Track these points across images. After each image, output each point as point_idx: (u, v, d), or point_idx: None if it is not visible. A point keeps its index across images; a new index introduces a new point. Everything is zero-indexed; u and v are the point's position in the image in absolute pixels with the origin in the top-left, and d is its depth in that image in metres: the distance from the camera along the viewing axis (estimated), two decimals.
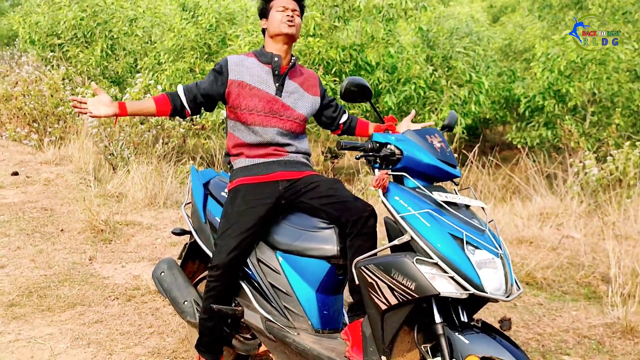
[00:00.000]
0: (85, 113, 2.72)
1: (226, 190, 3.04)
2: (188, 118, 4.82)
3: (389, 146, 2.47)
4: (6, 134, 9.95)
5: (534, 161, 8.55)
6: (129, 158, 7.87)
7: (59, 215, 5.94)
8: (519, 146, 11.39)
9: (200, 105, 2.97)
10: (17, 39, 13.65)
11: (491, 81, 11.03)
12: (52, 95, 10.08)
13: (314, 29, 9.16)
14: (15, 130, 9.83)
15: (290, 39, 2.96)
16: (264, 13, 3.05)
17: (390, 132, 2.69)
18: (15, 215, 5.90)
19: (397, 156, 2.43)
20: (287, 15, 2.93)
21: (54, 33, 12.06)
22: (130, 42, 12.20)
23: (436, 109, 10.16)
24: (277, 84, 2.97)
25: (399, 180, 2.47)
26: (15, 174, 7.58)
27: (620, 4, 11.93)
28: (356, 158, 2.51)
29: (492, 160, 8.68)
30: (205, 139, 9.69)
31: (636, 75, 10.95)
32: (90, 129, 8.47)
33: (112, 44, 12.08)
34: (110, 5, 12.01)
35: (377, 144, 2.48)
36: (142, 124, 8.34)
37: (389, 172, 2.44)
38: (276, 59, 2.98)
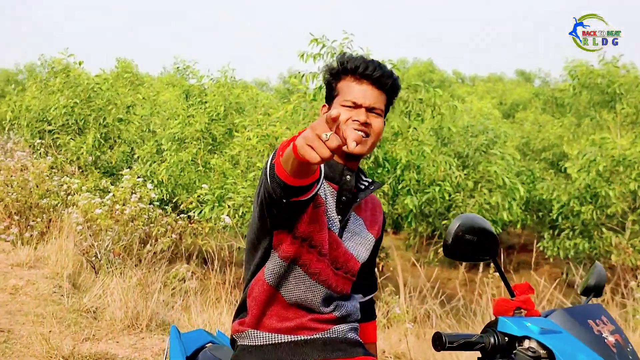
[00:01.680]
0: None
1: None
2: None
3: (527, 343, 1.42)
4: None
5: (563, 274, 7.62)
6: (114, 262, 6.89)
7: (16, 341, 4.82)
8: (550, 258, 10.38)
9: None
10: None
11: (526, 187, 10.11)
12: (37, 186, 9.24)
13: None
14: None
15: (360, 156, 1.99)
16: (328, 97, 2.05)
17: (523, 312, 1.62)
18: None
19: None
20: (356, 122, 1.92)
21: (45, 119, 11.27)
22: (127, 130, 11.39)
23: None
24: (340, 218, 1.95)
25: None
26: None
27: None
28: None
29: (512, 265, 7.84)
30: (203, 240, 8.70)
31: None
32: (74, 225, 7.56)
33: (105, 132, 11.26)
34: (107, 91, 11.27)
35: (506, 339, 1.43)
36: (132, 221, 7.44)
37: None
38: (348, 177, 1.96)
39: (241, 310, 1.99)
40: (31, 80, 12.38)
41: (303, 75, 9.25)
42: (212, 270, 7.26)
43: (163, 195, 9.90)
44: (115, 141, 11.59)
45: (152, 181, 9.76)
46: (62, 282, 6.51)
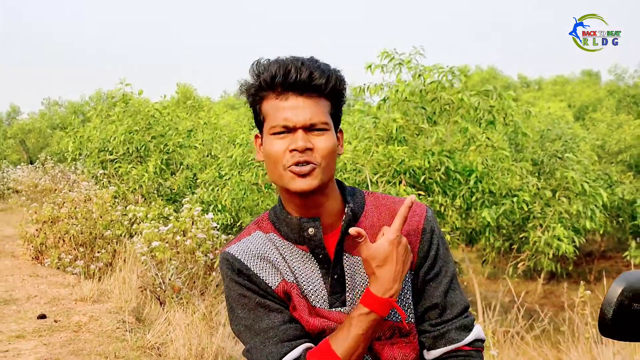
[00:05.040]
0: None
1: None
2: None
3: None
4: (48, 261, 8.94)
5: None
6: (177, 295, 6.66)
7: None
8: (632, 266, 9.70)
9: None
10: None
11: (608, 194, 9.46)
12: (101, 216, 9.18)
13: (396, 131, 7.85)
14: (59, 257, 8.82)
15: (312, 191, 1.48)
16: (257, 123, 1.59)
17: None
18: None
19: None
20: (295, 152, 1.45)
21: (106, 148, 11.26)
22: (188, 155, 11.25)
23: (541, 225, 8.58)
24: (331, 282, 1.53)
25: None
26: (43, 317, 6.40)
27: None
28: None
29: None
30: None
31: None
32: (139, 255, 7.40)
33: (167, 159, 11.15)
34: (166, 115, 11.18)
35: None
36: (198, 248, 7.23)
37: None
38: (310, 230, 1.51)
39: None
40: (92, 111, 12.44)
41: (367, 87, 8.83)
42: None
43: (227, 220, 9.67)
44: (177, 167, 11.49)
45: (216, 206, 9.55)
46: (126, 317, 6.32)
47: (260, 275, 1.53)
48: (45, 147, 29.82)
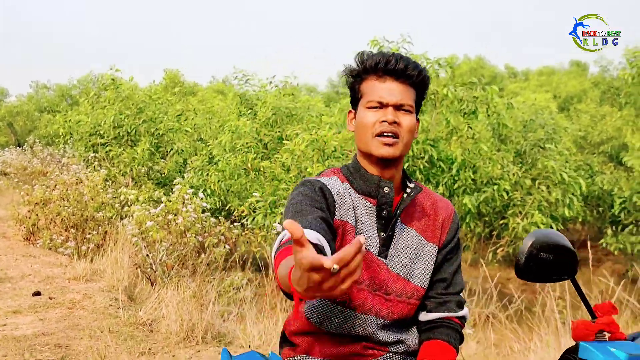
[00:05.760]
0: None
1: None
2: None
3: None
4: (40, 242, 9.11)
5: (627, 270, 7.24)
6: (169, 273, 6.87)
7: (73, 357, 4.81)
8: (615, 251, 9.96)
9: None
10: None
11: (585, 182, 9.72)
12: (92, 199, 9.35)
13: None
14: (51, 238, 8.98)
15: (391, 160, 1.79)
16: (353, 100, 1.88)
17: (607, 335, 1.45)
18: (20, 356, 4.79)
19: None
20: (384, 123, 1.75)
21: (97, 132, 11.40)
22: (178, 140, 11.40)
23: (520, 212, 8.86)
24: (382, 235, 1.78)
25: None
26: (37, 294, 6.58)
27: None
28: None
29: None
30: (257, 247, 8.63)
31: None
32: (130, 237, 7.59)
33: (157, 142, 11.30)
34: (157, 100, 11.33)
35: None
36: (186, 231, 7.42)
37: None
38: (386, 189, 1.78)
39: (286, 339, 1.87)
40: (83, 96, 12.56)
41: None
42: (267, 277, 7.17)
43: (216, 204, 9.86)
44: (167, 152, 11.64)
45: (205, 190, 9.72)
46: (118, 295, 6.52)
47: (334, 195, 1.78)
48: (33, 130, 29.74)
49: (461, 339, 1.89)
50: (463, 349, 5.25)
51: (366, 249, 1.76)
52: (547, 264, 1.58)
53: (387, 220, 1.80)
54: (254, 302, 6.55)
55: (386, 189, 1.78)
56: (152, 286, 7.00)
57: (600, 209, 13.51)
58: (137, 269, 7.29)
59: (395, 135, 1.75)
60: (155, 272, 7.10)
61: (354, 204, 1.80)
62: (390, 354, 1.82)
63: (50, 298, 6.49)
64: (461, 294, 1.93)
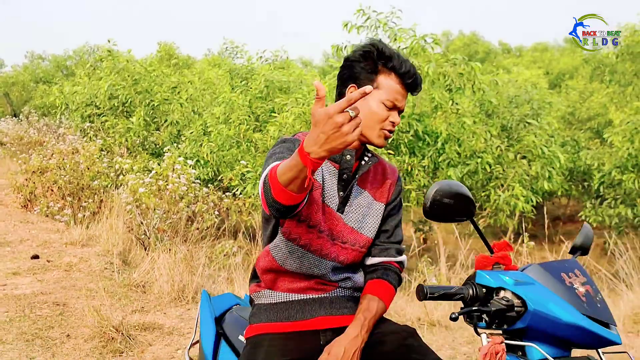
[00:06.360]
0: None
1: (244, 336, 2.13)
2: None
3: (502, 293, 1.56)
4: (37, 209, 9.38)
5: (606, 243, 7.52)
6: (161, 239, 7.17)
7: (71, 314, 5.12)
8: (594, 224, 10.27)
9: None
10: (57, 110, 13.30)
11: (565, 156, 10.01)
12: (88, 168, 9.60)
13: None
14: (48, 205, 9.25)
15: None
16: (351, 76, 2.08)
17: (502, 267, 1.76)
18: (21, 312, 5.10)
19: (516, 310, 1.52)
20: (391, 124, 2.06)
21: (93, 103, 11.61)
22: (172, 111, 11.63)
23: (502, 185, 9.17)
24: (341, 194, 2.10)
25: (520, 348, 1.53)
26: (36, 257, 6.87)
27: None
28: (451, 318, 1.57)
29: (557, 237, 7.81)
30: (248, 215, 8.93)
31: None
32: (124, 205, 7.86)
33: (152, 113, 11.52)
34: (152, 72, 11.53)
35: (484, 290, 1.57)
36: (180, 199, 7.69)
37: (504, 339, 1.52)
38: (348, 157, 2.09)
39: (256, 275, 2.19)
40: (79, 67, 12.73)
41: (345, 47, 9.09)
42: (256, 246, 7.46)
43: (208, 175, 10.12)
44: (162, 123, 11.86)
45: (198, 161, 9.97)
46: (113, 259, 6.82)
47: None
48: (29, 101, 29.82)
49: (399, 280, 2.24)
50: (437, 311, 5.59)
51: (327, 205, 2.07)
52: (449, 207, 1.85)
53: (346, 182, 2.11)
54: (242, 268, 6.86)
55: (348, 157, 2.09)
56: (145, 251, 7.29)
57: (586, 184, 13.79)
58: (131, 234, 7.57)
59: (391, 132, 2.08)
60: (148, 238, 7.39)
61: (321, 166, 2.09)
62: (340, 289, 2.14)
63: (48, 261, 6.78)
64: (401, 244, 2.27)
